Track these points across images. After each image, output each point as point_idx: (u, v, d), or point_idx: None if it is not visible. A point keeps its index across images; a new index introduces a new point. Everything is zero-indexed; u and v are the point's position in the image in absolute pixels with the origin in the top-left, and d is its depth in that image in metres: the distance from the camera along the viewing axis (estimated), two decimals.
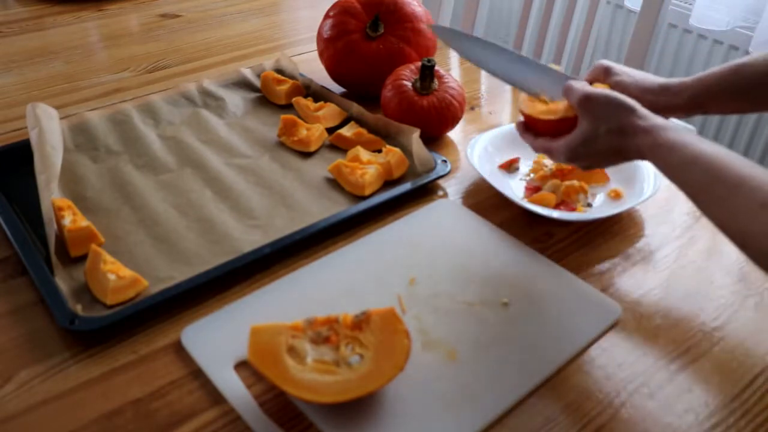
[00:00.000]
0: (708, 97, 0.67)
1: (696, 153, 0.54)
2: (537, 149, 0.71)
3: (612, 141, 0.61)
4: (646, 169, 0.80)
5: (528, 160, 0.86)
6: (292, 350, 0.53)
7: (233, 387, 0.55)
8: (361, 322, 0.55)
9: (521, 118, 0.74)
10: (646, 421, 0.54)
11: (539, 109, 0.71)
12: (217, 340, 0.59)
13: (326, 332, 0.55)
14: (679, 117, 0.71)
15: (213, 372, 0.56)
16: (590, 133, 0.63)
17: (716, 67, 0.68)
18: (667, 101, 0.68)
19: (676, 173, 0.56)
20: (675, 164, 0.56)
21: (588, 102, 0.63)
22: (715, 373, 0.59)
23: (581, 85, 0.65)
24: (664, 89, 0.69)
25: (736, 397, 0.56)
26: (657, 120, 0.59)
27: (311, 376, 0.52)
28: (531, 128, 0.72)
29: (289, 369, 0.52)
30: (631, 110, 0.60)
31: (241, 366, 0.57)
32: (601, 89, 0.64)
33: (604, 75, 0.72)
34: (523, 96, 0.74)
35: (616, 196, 0.79)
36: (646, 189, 0.77)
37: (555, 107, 0.69)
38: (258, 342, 0.53)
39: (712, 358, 0.60)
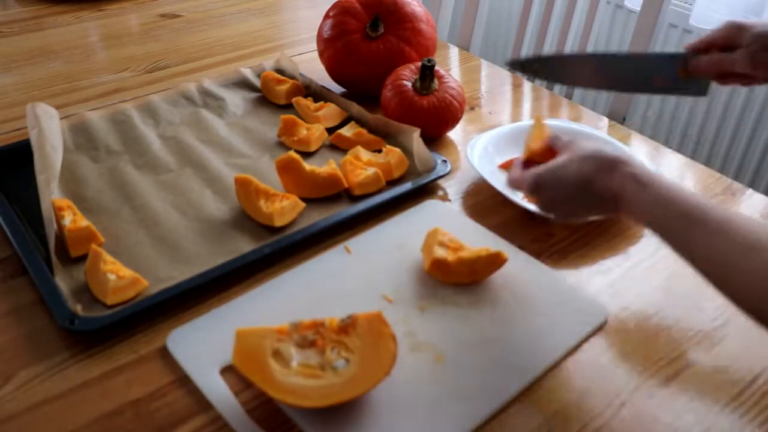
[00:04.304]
0: None
1: (671, 195, 0.52)
2: (510, 182, 0.66)
3: (584, 167, 0.57)
4: None
5: None
6: (277, 354, 0.53)
7: (218, 392, 0.54)
8: (347, 326, 0.54)
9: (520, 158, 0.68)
10: (646, 421, 0.54)
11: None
12: (204, 344, 0.58)
13: (312, 336, 0.54)
14: None
15: (198, 377, 0.56)
16: (563, 162, 0.59)
17: None
18: None
19: (651, 210, 0.53)
20: (649, 201, 0.53)
21: (573, 143, 0.60)
22: (715, 373, 0.59)
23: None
24: None
25: (736, 397, 0.56)
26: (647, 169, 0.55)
27: (295, 380, 0.51)
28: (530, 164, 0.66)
29: (273, 372, 0.51)
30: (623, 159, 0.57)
31: (228, 370, 0.56)
32: None
33: (737, 32, 0.69)
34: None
35: None
36: None
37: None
38: (243, 345, 0.52)
39: (713, 358, 0.60)
